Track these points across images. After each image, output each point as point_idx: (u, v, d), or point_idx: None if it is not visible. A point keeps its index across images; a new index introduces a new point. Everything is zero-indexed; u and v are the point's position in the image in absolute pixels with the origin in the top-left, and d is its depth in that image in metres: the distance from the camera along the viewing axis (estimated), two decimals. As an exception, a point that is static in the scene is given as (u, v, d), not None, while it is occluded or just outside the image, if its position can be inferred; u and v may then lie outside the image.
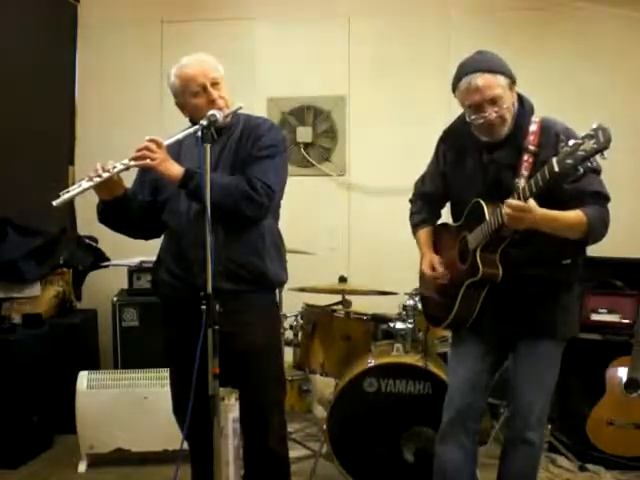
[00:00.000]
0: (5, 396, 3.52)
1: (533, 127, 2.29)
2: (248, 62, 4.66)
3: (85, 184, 2.20)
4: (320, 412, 4.13)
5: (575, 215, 2.19)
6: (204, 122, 2.18)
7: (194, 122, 2.34)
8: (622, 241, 4.24)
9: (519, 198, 2.11)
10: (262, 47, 4.73)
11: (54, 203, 2.17)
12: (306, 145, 4.73)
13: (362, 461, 3.09)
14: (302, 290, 3.56)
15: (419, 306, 3.17)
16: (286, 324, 3.64)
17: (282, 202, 2.57)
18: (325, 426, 3.14)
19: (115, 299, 4.01)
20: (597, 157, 1.99)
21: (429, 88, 4.41)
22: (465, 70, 2.28)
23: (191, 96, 2.39)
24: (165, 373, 3.40)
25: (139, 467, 3.52)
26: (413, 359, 3.13)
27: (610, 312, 3.84)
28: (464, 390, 2.44)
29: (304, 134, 4.71)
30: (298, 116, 4.74)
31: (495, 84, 2.24)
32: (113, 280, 4.32)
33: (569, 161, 1.95)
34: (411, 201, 2.71)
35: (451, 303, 2.40)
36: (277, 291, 2.68)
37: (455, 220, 2.52)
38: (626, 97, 4.45)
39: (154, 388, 3.48)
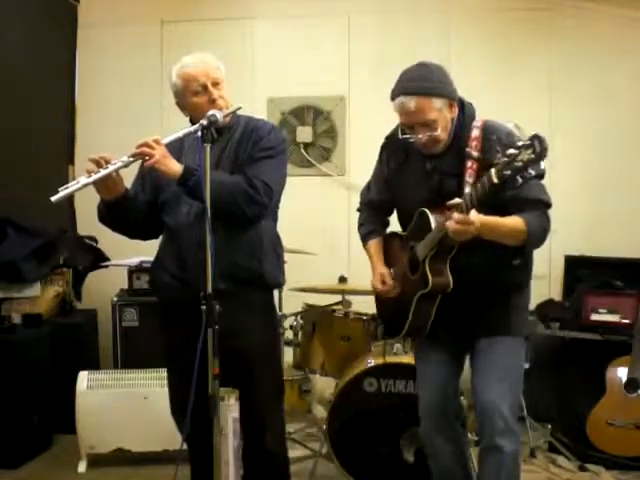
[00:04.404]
0: (5, 396, 3.52)
1: (475, 132, 2.24)
2: (248, 62, 4.66)
3: (84, 180, 2.17)
4: (320, 412, 4.13)
5: (514, 222, 2.16)
6: (204, 122, 2.17)
7: (194, 123, 2.32)
8: (622, 241, 4.27)
9: (461, 211, 2.07)
10: (262, 47, 4.73)
11: (52, 199, 2.13)
12: (306, 145, 4.73)
13: (362, 461, 3.09)
14: (302, 290, 3.56)
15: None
16: (286, 324, 3.64)
17: (282, 202, 2.57)
18: (325, 426, 3.14)
19: (115, 299, 4.01)
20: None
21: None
22: (401, 89, 2.24)
23: (192, 95, 2.39)
24: (165, 373, 3.41)
25: (139, 467, 3.52)
26: (413, 359, 3.12)
27: (610, 312, 3.84)
28: (436, 399, 2.41)
29: (304, 134, 4.71)
30: (298, 116, 4.74)
31: (429, 108, 2.20)
32: (113, 280, 4.31)
33: (507, 172, 1.92)
34: (359, 210, 2.69)
35: (405, 314, 2.36)
36: (275, 292, 2.67)
37: (403, 227, 2.50)
38: (627, 97, 4.45)
39: (154, 388, 3.48)
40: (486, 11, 4.57)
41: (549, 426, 3.76)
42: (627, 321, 3.75)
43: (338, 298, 3.65)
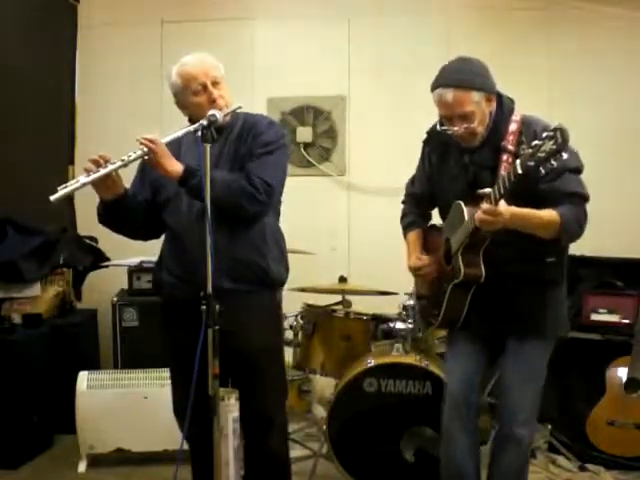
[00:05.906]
0: (5, 396, 3.52)
1: (513, 127, 2.29)
2: (248, 62, 4.66)
3: (83, 179, 2.17)
4: (320, 412, 4.12)
5: (547, 214, 2.20)
6: (204, 122, 2.17)
7: (193, 122, 2.33)
8: (622, 241, 4.26)
9: (489, 202, 2.12)
10: (262, 47, 4.72)
11: (51, 198, 2.13)
12: (306, 145, 4.73)
13: (362, 461, 3.09)
14: (302, 290, 3.56)
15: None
16: (286, 324, 3.62)
17: (282, 202, 2.57)
18: (325, 426, 3.14)
19: (115, 299, 4.01)
20: (579, 155, 2.12)
21: (429, 88, 4.41)
22: (440, 81, 2.29)
23: (192, 95, 2.39)
24: (165, 373, 3.42)
25: (139, 467, 3.52)
26: (413, 359, 3.13)
27: (610, 312, 3.83)
28: (461, 389, 2.46)
29: (304, 134, 4.71)
30: (298, 116, 4.74)
31: (467, 101, 2.24)
32: (113, 280, 4.31)
33: (530, 163, 1.97)
34: (403, 202, 2.76)
35: (440, 305, 2.42)
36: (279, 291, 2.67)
37: (443, 220, 2.56)
38: (627, 97, 4.45)
39: (154, 388, 3.48)
40: (486, 11, 4.57)
41: (549, 426, 3.76)
42: (627, 321, 3.75)
43: (338, 298, 3.65)
